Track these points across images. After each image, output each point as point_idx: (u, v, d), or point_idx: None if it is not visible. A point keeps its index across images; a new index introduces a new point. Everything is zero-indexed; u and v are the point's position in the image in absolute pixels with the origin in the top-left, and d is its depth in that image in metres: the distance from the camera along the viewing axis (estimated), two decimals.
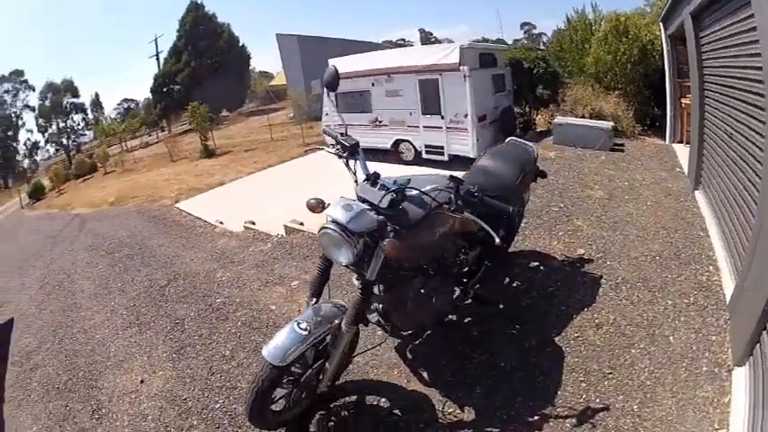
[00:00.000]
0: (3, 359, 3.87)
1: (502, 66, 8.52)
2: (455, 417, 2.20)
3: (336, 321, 1.97)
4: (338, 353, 2.01)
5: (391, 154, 8.68)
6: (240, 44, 32.55)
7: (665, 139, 7.03)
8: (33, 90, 34.69)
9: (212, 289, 4.06)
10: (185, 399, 2.66)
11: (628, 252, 3.55)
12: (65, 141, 34.78)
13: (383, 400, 2.36)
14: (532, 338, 2.65)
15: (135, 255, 5.62)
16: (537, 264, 3.54)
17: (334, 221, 1.84)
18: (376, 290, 2.09)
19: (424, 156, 8.20)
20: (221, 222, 6.20)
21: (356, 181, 2.16)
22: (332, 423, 2.19)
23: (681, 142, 6.60)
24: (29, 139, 35.82)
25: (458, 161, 7.52)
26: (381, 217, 1.88)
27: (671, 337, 2.52)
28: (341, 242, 1.82)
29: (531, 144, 3.25)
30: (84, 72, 78.12)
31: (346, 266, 1.97)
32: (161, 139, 21.74)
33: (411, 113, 8.20)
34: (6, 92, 33.87)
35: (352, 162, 2.23)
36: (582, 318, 2.78)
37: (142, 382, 2.93)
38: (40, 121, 34.40)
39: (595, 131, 6.60)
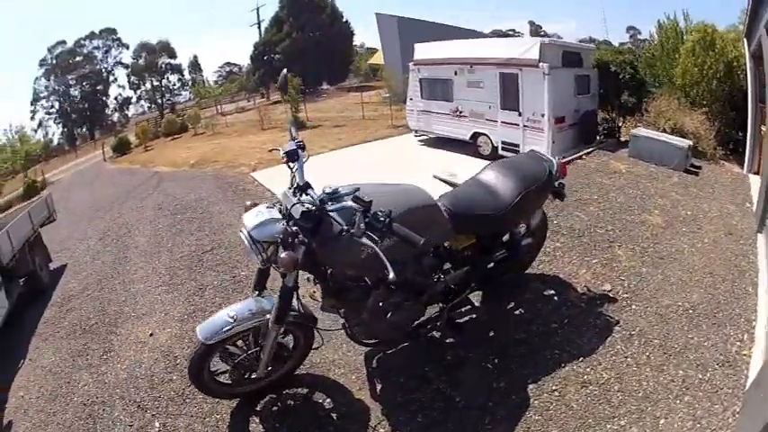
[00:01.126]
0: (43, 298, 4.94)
1: (588, 67, 8.28)
2: None
3: (267, 317, 2.23)
4: (268, 345, 2.28)
5: (471, 146, 8.87)
6: (344, 20, 34.40)
7: (743, 168, 6.71)
8: (127, 48, 39.08)
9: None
10: (176, 356, 3.20)
11: (660, 298, 3.35)
12: (159, 100, 39.23)
13: (328, 400, 2.60)
14: (504, 379, 2.64)
15: (194, 219, 6.46)
16: (552, 292, 3.45)
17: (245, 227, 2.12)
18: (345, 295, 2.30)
19: (500, 152, 8.18)
20: None
21: (290, 187, 2.32)
22: (275, 408, 2.52)
23: (757, 173, 6.18)
24: (120, 95, 40.51)
25: None
26: (294, 228, 2.01)
27: (661, 420, 2.31)
28: (247, 247, 2.09)
29: (550, 158, 3.11)
30: (181, 35, 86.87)
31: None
32: (257, 106, 23.68)
33: (490, 107, 8.33)
34: (97, 48, 38.56)
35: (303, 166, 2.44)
36: (571, 369, 2.68)
37: (151, 335, 3.57)
38: (133, 78, 39.05)
39: (672, 149, 6.45)
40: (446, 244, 2.66)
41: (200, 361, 2.29)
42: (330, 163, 9.57)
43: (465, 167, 7.76)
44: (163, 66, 39.31)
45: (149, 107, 40.23)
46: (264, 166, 9.55)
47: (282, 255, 1.95)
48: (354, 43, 37.78)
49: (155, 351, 3.32)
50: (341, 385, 2.71)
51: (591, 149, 7.23)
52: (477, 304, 3.25)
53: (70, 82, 38.17)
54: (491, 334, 3.01)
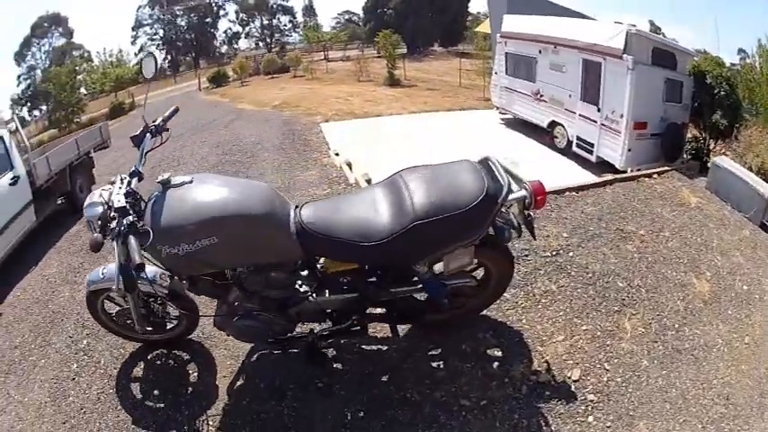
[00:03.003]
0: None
1: (683, 72, 7.73)
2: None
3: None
4: (132, 308, 2.60)
5: (548, 135, 9.06)
6: None
7: None
8: None
9: None
10: None
11: (637, 420, 2.58)
12: (267, 39, 42.77)
13: (195, 374, 2.95)
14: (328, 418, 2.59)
15: (238, 162, 7.36)
16: (496, 354, 2.90)
17: None
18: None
19: (575, 148, 8.31)
20: (337, 154, 7.20)
21: (132, 171, 2.42)
22: (158, 363, 3.07)
23: None
24: (230, 29, 44.67)
25: (606, 167, 7.47)
26: (113, 214, 2.11)
27: None
28: (85, 222, 2.31)
29: (503, 177, 2.34)
30: None
31: None
32: (359, 57, 24.94)
33: (570, 95, 8.40)
34: None
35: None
36: None
37: None
38: (242, 15, 42.93)
39: (752, 192, 5.47)
40: (320, 263, 2.52)
41: (90, 302, 2.83)
42: (394, 127, 10.35)
43: (534, 159, 8.27)
44: (274, 6, 43.06)
45: (256, 44, 44.13)
46: (339, 119, 10.50)
47: (91, 236, 2.12)
48: (471, 9, 38.65)
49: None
50: (215, 365, 2.97)
51: (667, 169, 6.48)
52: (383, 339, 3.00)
53: (177, 12, 42.91)
54: (383, 378, 2.74)
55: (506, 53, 10.31)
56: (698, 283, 3.78)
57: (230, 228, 2.16)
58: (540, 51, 9.06)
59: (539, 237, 3.94)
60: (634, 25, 7.37)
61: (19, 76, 39.27)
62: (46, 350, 3.48)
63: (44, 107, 31.06)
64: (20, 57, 39.95)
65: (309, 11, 44.24)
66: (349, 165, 6.46)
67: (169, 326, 2.99)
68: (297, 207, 2.40)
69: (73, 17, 42.39)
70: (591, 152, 7.94)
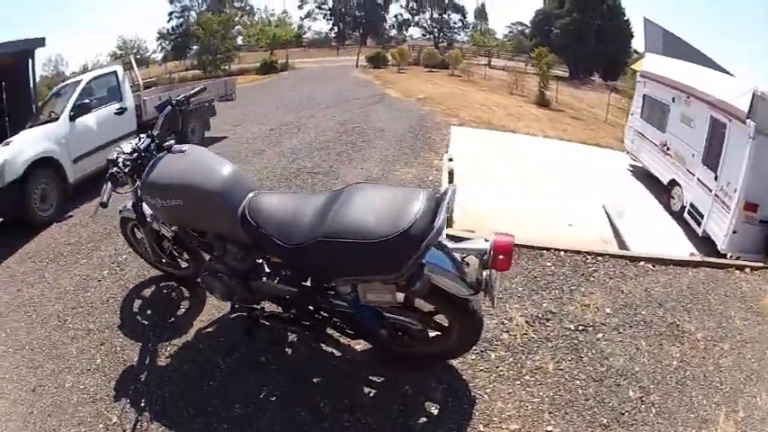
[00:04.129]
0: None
1: None
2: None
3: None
4: (145, 237, 3.43)
5: (666, 192, 8.74)
6: (625, 17, 35.67)
7: None
8: None
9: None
10: None
11: None
12: (435, 32, 45.51)
13: (172, 320, 3.50)
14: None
15: (353, 143, 7.80)
16: (426, 413, 2.61)
17: None
18: None
19: (686, 215, 7.89)
20: (450, 159, 6.49)
21: (148, 134, 2.97)
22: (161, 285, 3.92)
23: None
24: (400, 14, 48.84)
25: (710, 246, 6.90)
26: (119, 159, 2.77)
27: None
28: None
29: (441, 221, 2.05)
30: None
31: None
32: (519, 70, 25.50)
33: (693, 155, 8.04)
34: None
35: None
36: None
37: None
38: (413, 4, 46.42)
39: None
40: None
41: (122, 226, 3.62)
42: (520, 147, 10.48)
43: (642, 216, 8.03)
44: (446, 0, 45.76)
45: (423, 35, 47.57)
46: (473, 126, 10.75)
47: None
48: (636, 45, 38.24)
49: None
50: (201, 310, 3.50)
51: (762, 266, 5.03)
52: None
53: None
54: (315, 380, 2.79)
55: (644, 95, 10.15)
56: (723, 423, 2.78)
57: (188, 196, 2.54)
58: (673, 99, 8.81)
59: (576, 303, 3.40)
60: None
61: (171, 13, 46.01)
62: (91, 253, 4.70)
63: (194, 48, 35.03)
64: None
65: (481, 14, 46.88)
66: (450, 174, 5.93)
67: (183, 265, 3.59)
68: (253, 194, 2.56)
69: None
70: (699, 224, 7.44)
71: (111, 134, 6.70)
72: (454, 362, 2.80)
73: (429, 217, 2.05)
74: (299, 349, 3.02)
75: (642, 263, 4.14)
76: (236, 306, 2.81)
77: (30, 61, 8.13)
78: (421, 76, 22.80)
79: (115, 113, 7.02)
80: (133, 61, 8.12)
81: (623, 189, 9.46)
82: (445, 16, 46.99)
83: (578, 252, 3.82)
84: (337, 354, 2.95)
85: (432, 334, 2.57)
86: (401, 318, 2.43)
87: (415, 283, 2.06)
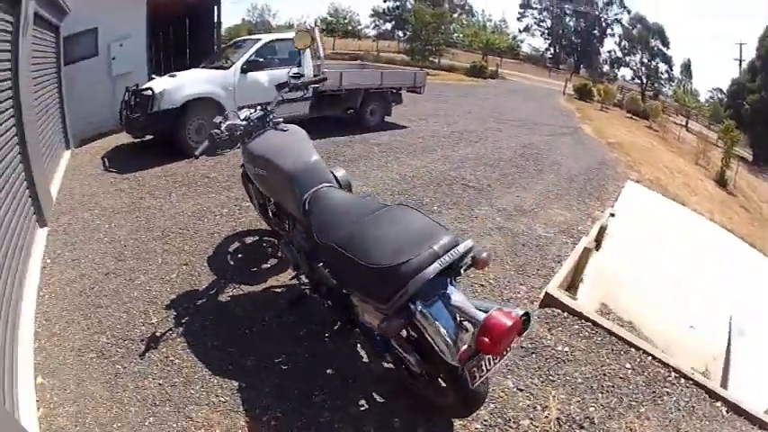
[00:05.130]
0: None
1: None
2: None
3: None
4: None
5: None
6: None
7: None
8: (628, 12, 46.35)
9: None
10: None
11: None
12: (642, 77, 43.52)
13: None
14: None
15: (505, 173, 7.08)
16: None
17: None
18: None
19: None
20: (612, 215, 5.93)
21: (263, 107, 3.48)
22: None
23: None
24: (614, 51, 47.50)
25: None
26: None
27: None
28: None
29: (431, 270, 1.94)
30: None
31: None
32: (709, 140, 23.22)
33: None
34: None
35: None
36: None
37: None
38: (624, 43, 44.96)
39: None
40: None
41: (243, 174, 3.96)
42: (680, 222, 9.22)
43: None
44: (655, 48, 43.86)
45: (632, 78, 45.51)
46: (649, 187, 9.56)
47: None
48: None
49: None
50: (264, 265, 3.91)
51: None
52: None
53: (566, 11, 47.33)
54: (328, 371, 2.79)
55: None
56: None
57: (270, 170, 2.91)
58: None
59: (623, 423, 2.61)
60: None
61: None
62: (221, 191, 5.34)
63: (406, 33, 36.66)
64: None
65: (687, 70, 44.04)
66: (601, 230, 5.29)
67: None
68: (321, 186, 2.74)
69: None
70: None
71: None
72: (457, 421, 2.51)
73: (430, 261, 1.97)
74: (334, 339, 3.08)
75: (719, 404, 2.93)
76: (299, 277, 2.98)
77: (216, 6, 9.36)
78: (620, 119, 21.83)
79: (290, 77, 7.74)
80: (317, 33, 8.75)
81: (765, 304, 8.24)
82: (654, 63, 44.86)
83: (666, 365, 3.21)
84: (363, 357, 2.94)
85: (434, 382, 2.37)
86: (403, 353, 2.29)
87: (386, 321, 1.99)
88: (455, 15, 41.26)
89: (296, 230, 2.93)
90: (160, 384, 2.65)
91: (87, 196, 5.29)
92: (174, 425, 2.41)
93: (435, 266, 1.93)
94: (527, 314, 1.91)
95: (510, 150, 8.62)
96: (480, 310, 1.93)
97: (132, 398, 2.56)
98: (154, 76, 7.13)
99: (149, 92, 6.29)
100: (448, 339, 1.91)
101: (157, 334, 3.05)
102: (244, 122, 3.28)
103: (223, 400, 2.56)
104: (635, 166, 10.64)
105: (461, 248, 2.03)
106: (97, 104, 8.06)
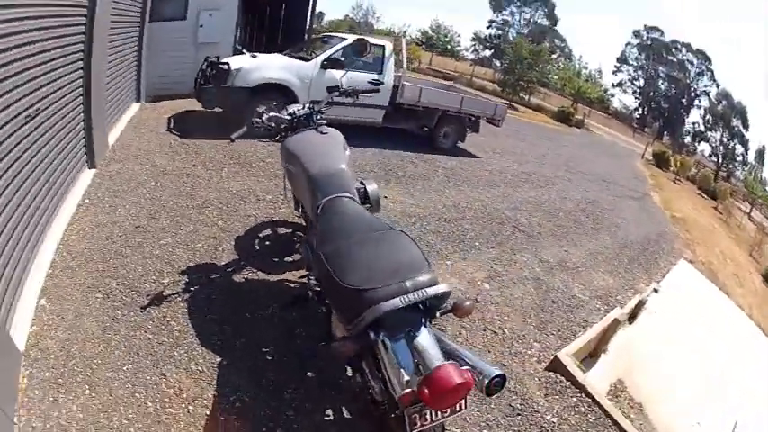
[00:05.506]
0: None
1: None
2: None
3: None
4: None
5: None
6: None
7: None
8: (717, 87, 45.99)
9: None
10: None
11: None
12: (719, 157, 42.69)
13: None
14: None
15: (556, 227, 6.93)
16: None
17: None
18: None
19: None
20: (656, 291, 5.63)
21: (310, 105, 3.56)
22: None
23: None
24: (697, 123, 46.75)
25: None
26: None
27: None
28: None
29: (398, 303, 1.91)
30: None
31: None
32: (764, 231, 22.12)
33: None
34: (690, 63, 45.55)
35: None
36: None
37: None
38: (709, 117, 44.21)
39: None
40: None
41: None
42: (720, 315, 8.82)
43: None
44: (735, 128, 43.48)
45: (710, 155, 44.75)
46: (699, 269, 9.38)
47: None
48: None
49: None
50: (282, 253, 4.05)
51: None
52: None
53: (660, 74, 46.65)
54: (309, 374, 2.79)
55: None
56: None
57: (296, 167, 3.00)
58: None
59: None
60: None
61: (491, 21, 49.30)
62: (273, 178, 5.47)
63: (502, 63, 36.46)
64: (496, 4, 49.03)
65: (760, 157, 43.26)
66: (639, 304, 4.94)
67: None
68: (339, 195, 2.74)
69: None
70: None
71: (360, 98, 7.67)
72: None
73: (394, 294, 1.93)
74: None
75: None
76: (309, 277, 2.86)
77: None
78: (689, 194, 21.16)
79: (369, 82, 7.81)
80: (404, 44, 8.93)
81: None
82: (732, 144, 44.25)
83: None
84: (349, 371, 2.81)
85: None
86: (370, 378, 2.14)
87: (338, 342, 2.01)
88: (553, 56, 40.78)
89: (310, 232, 2.96)
90: (149, 339, 2.77)
91: (143, 151, 5.57)
92: (149, 377, 2.51)
93: (396, 302, 1.90)
94: (502, 376, 1.86)
95: (573, 203, 8.47)
96: (454, 356, 1.92)
97: (120, 343, 2.69)
98: (244, 51, 7.41)
99: (226, 66, 6.55)
100: (400, 377, 1.86)
101: (164, 293, 3.18)
102: (288, 118, 3.38)
103: (201, 369, 2.63)
104: (692, 245, 10.40)
105: (431, 291, 1.97)
106: (176, 67, 8.44)
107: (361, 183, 3.38)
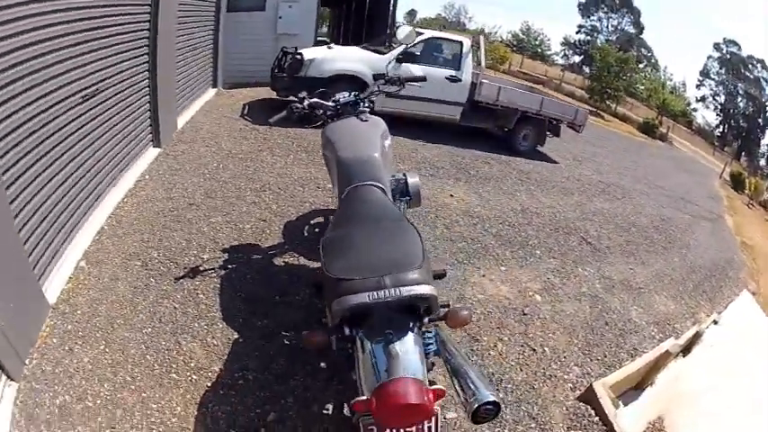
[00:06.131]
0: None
1: None
2: None
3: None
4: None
5: None
6: None
7: None
8: None
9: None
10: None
11: None
12: None
13: None
14: None
15: (591, 251, 7.07)
16: None
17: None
18: None
19: None
20: (715, 322, 5.30)
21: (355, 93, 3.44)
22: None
23: None
24: None
25: None
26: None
27: None
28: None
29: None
30: None
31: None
32: None
33: None
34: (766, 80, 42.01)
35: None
36: None
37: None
38: None
39: None
40: None
41: None
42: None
43: None
44: None
45: None
46: (760, 302, 8.81)
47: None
48: None
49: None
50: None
51: None
52: None
53: (739, 90, 43.99)
54: (322, 365, 2.54)
55: None
56: None
57: (331, 152, 2.96)
58: None
59: None
60: None
61: (580, 27, 48.24)
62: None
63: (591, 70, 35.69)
64: (585, 10, 47.80)
65: None
66: (695, 336, 4.60)
67: None
68: (366, 183, 2.62)
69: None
70: None
71: (436, 93, 7.63)
72: None
73: (366, 289, 1.76)
74: None
75: None
76: None
77: None
78: (760, 220, 18.94)
79: (446, 78, 7.84)
80: (483, 42, 8.77)
81: None
82: None
83: None
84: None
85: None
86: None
87: (309, 331, 1.94)
88: (640, 65, 39.07)
89: None
90: (175, 308, 2.93)
91: (211, 134, 5.91)
92: (163, 343, 2.66)
93: (363, 296, 1.74)
94: (495, 404, 1.64)
95: (647, 218, 8.03)
96: (456, 373, 1.77)
97: (146, 308, 2.88)
98: (330, 43, 7.73)
99: (299, 56, 6.80)
100: (369, 382, 1.71)
101: (201, 268, 3.34)
102: (331, 104, 3.38)
103: (215, 343, 2.74)
104: (756, 275, 9.43)
105: (405, 291, 1.76)
106: (254, 55, 8.84)
107: (403, 174, 3.37)
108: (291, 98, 3.36)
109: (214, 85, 8.00)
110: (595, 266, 5.21)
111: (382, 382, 1.62)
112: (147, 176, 4.46)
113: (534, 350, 3.50)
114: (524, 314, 3.89)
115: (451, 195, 5.72)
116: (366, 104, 3.44)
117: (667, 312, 4.94)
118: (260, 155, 5.56)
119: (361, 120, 3.26)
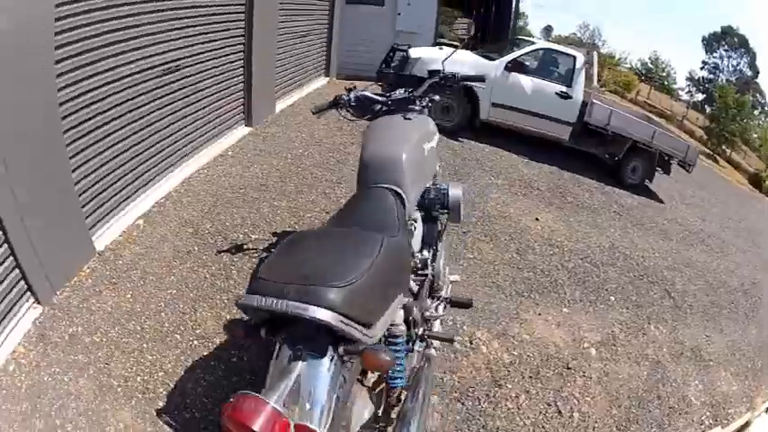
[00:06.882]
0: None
1: None
2: None
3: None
4: None
5: None
6: None
7: None
8: None
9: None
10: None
11: None
12: None
13: None
14: None
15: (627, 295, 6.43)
16: None
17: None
18: None
19: None
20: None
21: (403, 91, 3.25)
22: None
23: None
24: None
25: None
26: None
27: None
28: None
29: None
30: None
31: None
32: None
33: None
34: None
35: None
36: None
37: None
38: None
39: None
40: None
41: None
42: None
43: None
44: None
45: None
46: None
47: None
48: None
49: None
50: None
51: None
52: None
53: None
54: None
55: None
56: None
57: (363, 148, 2.63)
58: None
59: None
60: None
61: (704, 63, 45.06)
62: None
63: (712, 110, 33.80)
64: (708, 45, 44.71)
65: None
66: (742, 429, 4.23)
67: None
68: (382, 186, 2.46)
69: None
70: None
71: (543, 108, 7.55)
72: None
73: (264, 293, 1.52)
74: None
75: None
76: None
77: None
78: None
79: (556, 93, 7.65)
80: (595, 59, 8.52)
81: None
82: None
83: None
84: None
85: None
86: None
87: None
88: (755, 112, 35.92)
89: None
90: (205, 278, 3.22)
91: (307, 120, 6.22)
92: (181, 305, 2.96)
93: (252, 299, 1.50)
94: None
95: (738, 279, 7.18)
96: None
97: (180, 271, 3.20)
98: (456, 45, 7.98)
99: (406, 54, 7.00)
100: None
101: (245, 246, 3.60)
102: (381, 99, 3.21)
103: (228, 318, 2.97)
104: None
105: (300, 308, 1.43)
106: (371, 50, 9.16)
107: (446, 184, 3.04)
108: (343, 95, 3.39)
109: (327, 74, 8.42)
110: (670, 326, 4.77)
111: (239, 393, 1.39)
112: (230, 152, 4.87)
113: (560, 413, 3.13)
114: (568, 368, 3.56)
115: (537, 219, 5.57)
116: (421, 103, 3.24)
117: (727, 393, 4.39)
118: (348, 147, 5.75)
119: (405, 118, 3.05)
